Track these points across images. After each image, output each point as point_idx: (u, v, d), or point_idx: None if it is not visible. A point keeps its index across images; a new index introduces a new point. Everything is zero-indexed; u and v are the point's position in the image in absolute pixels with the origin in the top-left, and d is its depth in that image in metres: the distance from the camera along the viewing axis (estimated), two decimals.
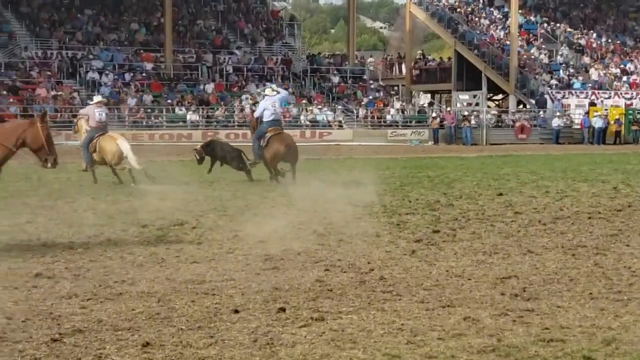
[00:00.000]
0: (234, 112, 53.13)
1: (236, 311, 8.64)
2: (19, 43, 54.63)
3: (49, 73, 52.43)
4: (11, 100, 48.47)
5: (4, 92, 49.15)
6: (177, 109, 52.12)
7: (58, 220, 15.29)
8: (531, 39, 65.00)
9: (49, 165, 13.18)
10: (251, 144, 23.72)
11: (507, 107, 60.22)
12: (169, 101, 52.55)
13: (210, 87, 55.27)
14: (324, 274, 10.62)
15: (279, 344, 7.52)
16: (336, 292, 9.58)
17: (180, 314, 8.55)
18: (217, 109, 52.73)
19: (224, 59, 58.96)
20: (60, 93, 50.26)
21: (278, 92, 24.00)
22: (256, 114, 23.96)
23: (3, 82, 50.27)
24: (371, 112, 56.40)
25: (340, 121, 54.61)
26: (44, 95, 49.53)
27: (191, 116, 51.56)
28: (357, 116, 55.51)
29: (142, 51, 57.26)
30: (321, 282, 10.14)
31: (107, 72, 53.79)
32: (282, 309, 8.73)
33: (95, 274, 10.58)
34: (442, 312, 8.71)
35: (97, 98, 24.83)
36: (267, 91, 24.19)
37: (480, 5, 67.81)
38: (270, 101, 23.32)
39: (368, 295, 9.47)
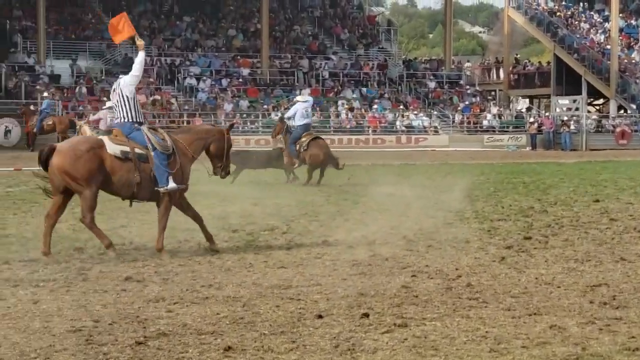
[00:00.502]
0: (329, 117, 53.26)
1: (320, 316, 8.64)
2: (120, 50, 55.60)
3: (148, 79, 53.25)
4: None
5: (105, 99, 50.06)
6: (273, 114, 52.44)
7: (151, 224, 15.46)
8: (632, 43, 63.79)
9: (221, 174, 13.65)
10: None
11: (608, 112, 59.20)
12: (265, 106, 52.91)
13: (306, 93, 55.51)
14: (410, 280, 10.56)
15: (360, 350, 7.50)
16: (421, 299, 9.52)
17: (264, 318, 8.58)
18: (313, 114, 52.89)
19: (320, 64, 59.16)
20: (157, 97, 50.99)
21: (308, 100, 26.19)
22: (288, 114, 25.65)
23: (104, 88, 51.21)
24: (467, 118, 56.02)
25: (436, 127, 54.37)
26: (143, 101, 50.31)
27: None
28: (453, 121, 55.19)
29: (239, 57, 57.80)
30: (407, 288, 10.09)
31: (204, 78, 54.41)
32: (366, 315, 8.70)
33: (183, 278, 10.69)
34: (528, 320, 8.58)
35: (109, 103, 25.22)
36: (299, 98, 26.71)
37: (580, 9, 66.79)
38: (302, 106, 25.18)
39: (454, 302, 9.38)
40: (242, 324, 8.35)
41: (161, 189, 12.58)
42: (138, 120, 12.74)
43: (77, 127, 27.55)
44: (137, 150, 12.50)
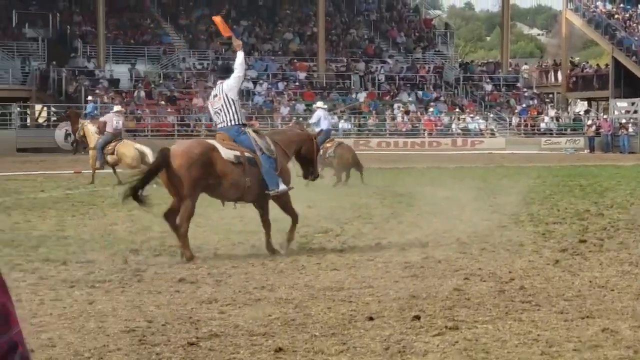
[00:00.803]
0: (385, 120, 53.23)
1: (371, 318, 8.66)
2: (177, 54, 56.07)
3: (206, 83, 53.63)
4: (169, 110, 49.77)
5: (162, 102, 50.52)
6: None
7: (206, 227, 15.61)
8: None
9: (311, 178, 14.09)
10: None
11: None
12: None
13: (362, 96, 55.54)
14: (462, 283, 10.54)
15: (411, 352, 7.50)
16: (473, 301, 9.50)
17: (315, 320, 8.62)
18: (369, 117, 52.92)
19: (376, 67, 59.15)
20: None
21: (325, 107, 27.84)
22: (313, 120, 26.63)
23: (162, 92, 51.67)
24: (524, 120, 55.66)
25: (492, 129, 54.09)
26: (200, 105, 50.68)
27: (343, 125, 51.89)
28: (510, 124, 54.89)
29: (295, 60, 57.99)
30: (459, 290, 10.07)
31: (261, 81, 54.66)
32: (417, 317, 8.70)
33: (236, 280, 10.77)
34: (581, 323, 8.53)
35: (117, 108, 27.85)
36: (319, 104, 27.83)
37: (639, 11, 66.06)
38: (323, 113, 26.52)
39: (506, 304, 9.35)
40: (293, 326, 8.40)
41: (272, 192, 12.76)
42: (242, 122, 12.88)
43: (79, 125, 27.99)
44: (246, 154, 12.59)
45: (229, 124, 12.69)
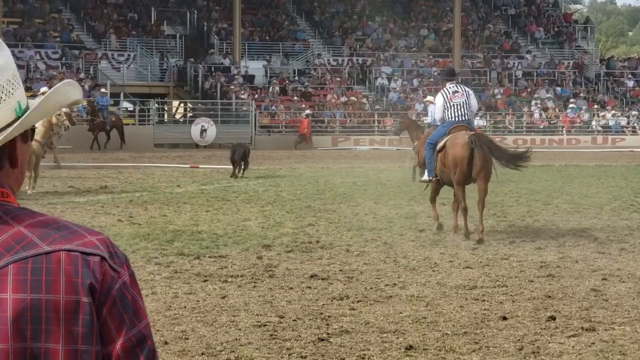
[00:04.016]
0: (522, 117, 52.48)
1: (504, 318, 8.50)
2: (312, 50, 56.37)
3: (339, 79, 53.77)
4: (303, 105, 50.10)
5: (296, 98, 50.87)
6: None
7: (339, 223, 15.60)
8: None
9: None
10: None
11: None
12: None
13: (498, 92, 54.87)
14: (600, 283, 10.26)
15: (545, 353, 7.32)
16: (611, 302, 9.23)
17: (447, 318, 8.50)
18: (506, 114, 52.25)
19: (513, 63, 58.35)
20: (351, 98, 51.44)
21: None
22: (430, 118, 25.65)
23: (296, 88, 52.01)
24: None
25: (634, 127, 52.74)
26: (334, 101, 50.85)
27: (479, 121, 51.33)
28: None
29: (431, 56, 57.67)
30: (597, 291, 9.80)
31: (395, 77, 54.50)
32: (553, 318, 8.50)
33: (367, 276, 10.71)
34: None
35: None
36: (430, 98, 26.01)
37: None
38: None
39: None
40: (424, 324, 8.30)
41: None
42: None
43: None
44: None
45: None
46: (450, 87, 14.50)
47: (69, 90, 2.13)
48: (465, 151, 13.77)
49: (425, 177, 15.05)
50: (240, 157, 25.41)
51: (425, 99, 27.74)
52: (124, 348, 1.96)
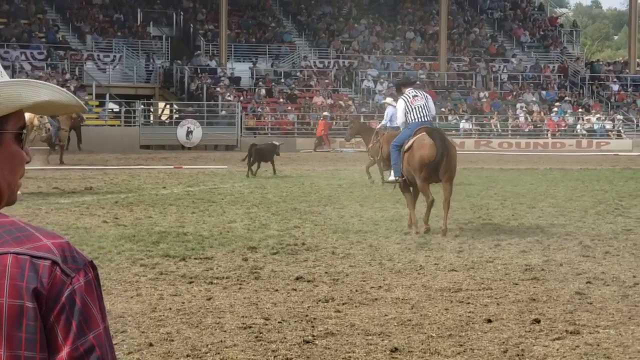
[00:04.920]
0: (507, 120, 52.60)
1: (489, 321, 8.52)
2: (298, 52, 56.40)
3: (326, 81, 53.80)
4: (289, 107, 50.11)
5: (282, 100, 50.88)
6: (450, 117, 52.18)
7: (324, 225, 15.62)
8: None
9: None
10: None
11: None
12: (443, 109, 52.67)
13: (484, 96, 55.00)
14: (585, 286, 10.30)
15: (529, 356, 7.35)
16: (596, 306, 9.27)
17: (432, 321, 8.52)
18: (491, 117, 52.38)
19: (499, 66, 58.50)
20: (339, 102, 51.49)
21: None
22: (385, 120, 25.77)
23: (282, 90, 52.03)
24: None
25: (619, 130, 52.92)
26: (320, 103, 50.87)
27: (464, 124, 51.47)
28: (637, 125, 53.60)
29: (417, 59, 57.77)
30: (581, 294, 9.83)
31: (381, 80, 54.57)
32: (537, 321, 8.53)
33: (353, 279, 10.72)
34: None
35: None
36: (389, 100, 26.51)
37: None
38: (394, 110, 26.18)
39: (629, 309, 9.09)
40: (409, 326, 8.31)
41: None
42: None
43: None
44: None
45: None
46: (410, 92, 15.48)
47: (20, 91, 2.02)
48: (432, 152, 14.51)
49: (392, 177, 15.85)
50: (268, 158, 26.82)
51: (384, 101, 27.79)
52: (71, 357, 1.89)
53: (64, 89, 2.13)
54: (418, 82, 53.21)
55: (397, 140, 15.47)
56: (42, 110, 2.16)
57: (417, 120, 15.16)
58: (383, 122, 25.43)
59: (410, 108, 15.24)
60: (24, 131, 2.10)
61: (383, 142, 19.03)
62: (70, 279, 1.91)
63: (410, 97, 15.33)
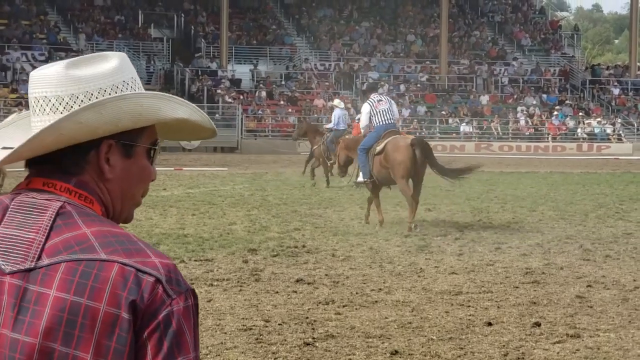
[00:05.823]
0: (508, 123, 52.60)
1: (489, 324, 8.52)
2: (299, 55, 56.41)
3: (326, 84, 53.80)
4: (290, 110, 50.11)
5: (282, 102, 50.87)
6: (450, 120, 52.17)
7: (325, 228, 15.62)
8: None
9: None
10: None
11: None
12: (443, 112, 52.67)
13: (484, 99, 54.98)
14: (585, 290, 10.30)
15: (530, 359, 7.34)
16: (596, 309, 9.27)
17: (432, 324, 8.52)
18: (491, 120, 52.37)
19: (500, 70, 58.51)
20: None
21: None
22: (333, 123, 26.27)
23: (283, 92, 52.03)
24: None
25: (619, 134, 52.91)
26: (321, 105, 50.87)
27: (464, 128, 51.46)
28: (638, 129, 53.59)
29: (418, 62, 57.78)
30: (581, 298, 9.83)
31: (382, 83, 54.55)
32: (537, 324, 8.53)
33: (353, 281, 10.72)
34: None
35: None
36: (337, 102, 27.72)
37: None
38: (341, 113, 26.23)
39: (630, 313, 9.09)
40: (410, 329, 8.31)
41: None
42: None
43: None
44: None
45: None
46: (374, 97, 16.48)
47: (160, 105, 2.01)
48: (408, 153, 15.36)
49: (361, 179, 16.68)
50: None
51: (332, 103, 28.09)
52: None
53: (202, 111, 2.10)
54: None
55: (365, 143, 16.28)
56: (171, 132, 2.14)
57: (382, 123, 16.07)
58: (330, 124, 26.03)
59: (375, 112, 16.14)
60: (156, 147, 2.08)
61: (340, 149, 19.82)
62: (171, 300, 1.87)
63: (375, 102, 16.26)
